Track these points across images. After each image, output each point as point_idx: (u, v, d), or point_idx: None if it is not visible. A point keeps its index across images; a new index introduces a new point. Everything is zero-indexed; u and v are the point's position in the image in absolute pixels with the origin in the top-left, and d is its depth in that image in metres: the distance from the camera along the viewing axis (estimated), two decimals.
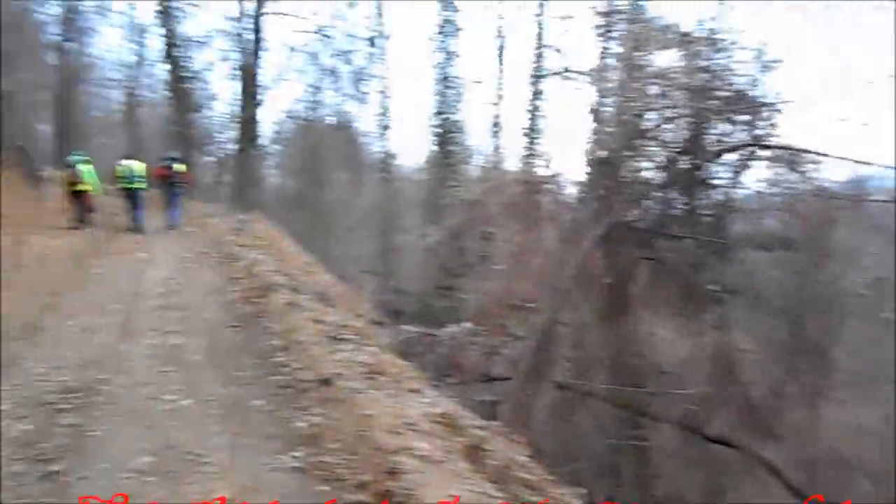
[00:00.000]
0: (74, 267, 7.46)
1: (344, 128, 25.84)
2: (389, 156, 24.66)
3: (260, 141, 16.99)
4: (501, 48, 23.58)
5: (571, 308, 10.28)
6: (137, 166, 10.15)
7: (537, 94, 23.76)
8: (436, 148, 23.88)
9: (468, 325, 8.49)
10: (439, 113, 23.88)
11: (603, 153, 10.79)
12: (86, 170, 9.42)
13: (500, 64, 23.71)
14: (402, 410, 3.43)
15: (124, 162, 10.14)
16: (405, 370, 5.04)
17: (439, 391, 5.19)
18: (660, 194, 11.00)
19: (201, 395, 3.75)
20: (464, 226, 14.04)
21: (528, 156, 22.74)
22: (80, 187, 9.33)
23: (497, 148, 23.87)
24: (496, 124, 23.98)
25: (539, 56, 23.44)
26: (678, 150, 10.32)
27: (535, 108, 23.83)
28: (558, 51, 15.56)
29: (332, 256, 19.05)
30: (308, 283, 8.56)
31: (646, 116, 10.73)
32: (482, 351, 8.63)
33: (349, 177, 24.30)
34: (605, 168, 10.61)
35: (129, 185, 9.86)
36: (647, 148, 10.83)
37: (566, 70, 13.42)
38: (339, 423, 3.16)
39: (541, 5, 22.67)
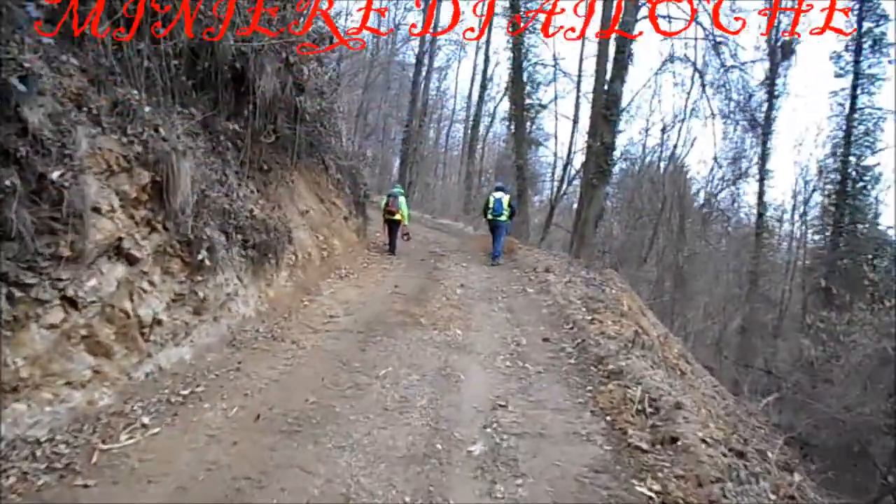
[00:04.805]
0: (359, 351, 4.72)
1: (680, 170, 20.48)
2: (765, 208, 18.46)
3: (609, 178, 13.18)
4: None
5: None
6: (506, 199, 9.52)
7: None
8: (831, 201, 16.91)
9: None
10: (839, 154, 16.72)
11: None
12: (402, 201, 9.41)
13: None
14: None
15: (496, 194, 9.65)
16: None
17: None
18: None
19: None
20: None
21: None
22: (396, 217, 9.38)
23: None
24: None
25: None
26: None
27: None
28: None
29: (688, 331, 14.16)
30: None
31: None
32: None
33: (702, 231, 18.94)
34: None
35: (496, 217, 9.49)
36: None
37: None
38: None
39: None
